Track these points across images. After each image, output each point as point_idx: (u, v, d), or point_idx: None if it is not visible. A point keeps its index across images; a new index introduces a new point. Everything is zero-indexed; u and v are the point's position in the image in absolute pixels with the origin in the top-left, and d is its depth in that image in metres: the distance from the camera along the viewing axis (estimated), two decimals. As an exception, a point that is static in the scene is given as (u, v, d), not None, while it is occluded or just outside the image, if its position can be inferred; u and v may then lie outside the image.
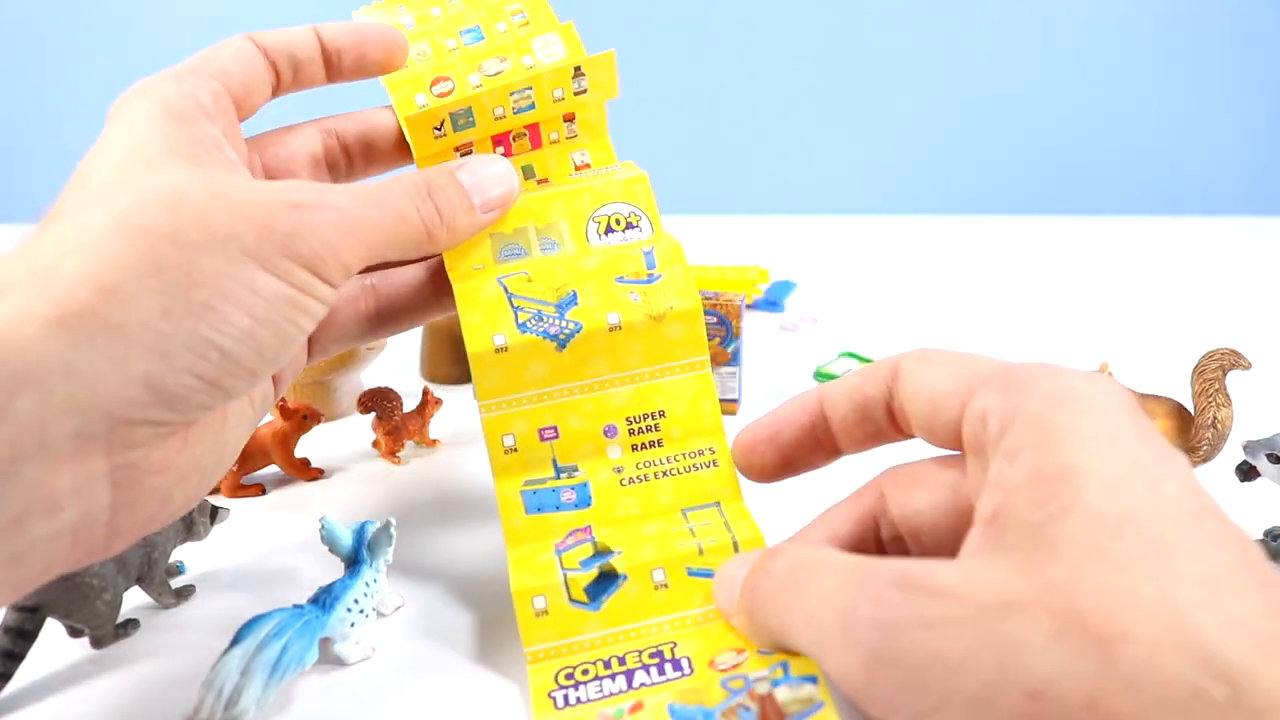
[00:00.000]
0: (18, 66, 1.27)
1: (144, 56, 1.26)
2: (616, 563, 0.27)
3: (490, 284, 0.30)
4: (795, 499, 0.27)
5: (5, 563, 0.19)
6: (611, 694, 0.24)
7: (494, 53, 0.32)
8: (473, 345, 0.29)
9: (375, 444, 0.45)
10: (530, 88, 0.31)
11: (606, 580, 0.26)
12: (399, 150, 0.32)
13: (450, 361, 0.55)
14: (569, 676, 0.25)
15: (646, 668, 0.25)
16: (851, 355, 0.52)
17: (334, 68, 0.30)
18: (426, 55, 0.32)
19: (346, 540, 0.30)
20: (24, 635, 0.27)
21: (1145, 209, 1.27)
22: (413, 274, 0.32)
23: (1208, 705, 0.14)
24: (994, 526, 0.18)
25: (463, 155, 0.32)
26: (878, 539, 0.24)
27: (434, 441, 0.46)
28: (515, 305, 0.29)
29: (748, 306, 0.73)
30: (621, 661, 0.25)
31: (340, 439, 0.47)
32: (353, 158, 0.32)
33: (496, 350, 0.29)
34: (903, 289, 0.80)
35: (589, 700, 0.24)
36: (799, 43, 1.26)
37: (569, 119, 0.33)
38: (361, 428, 0.48)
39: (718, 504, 0.29)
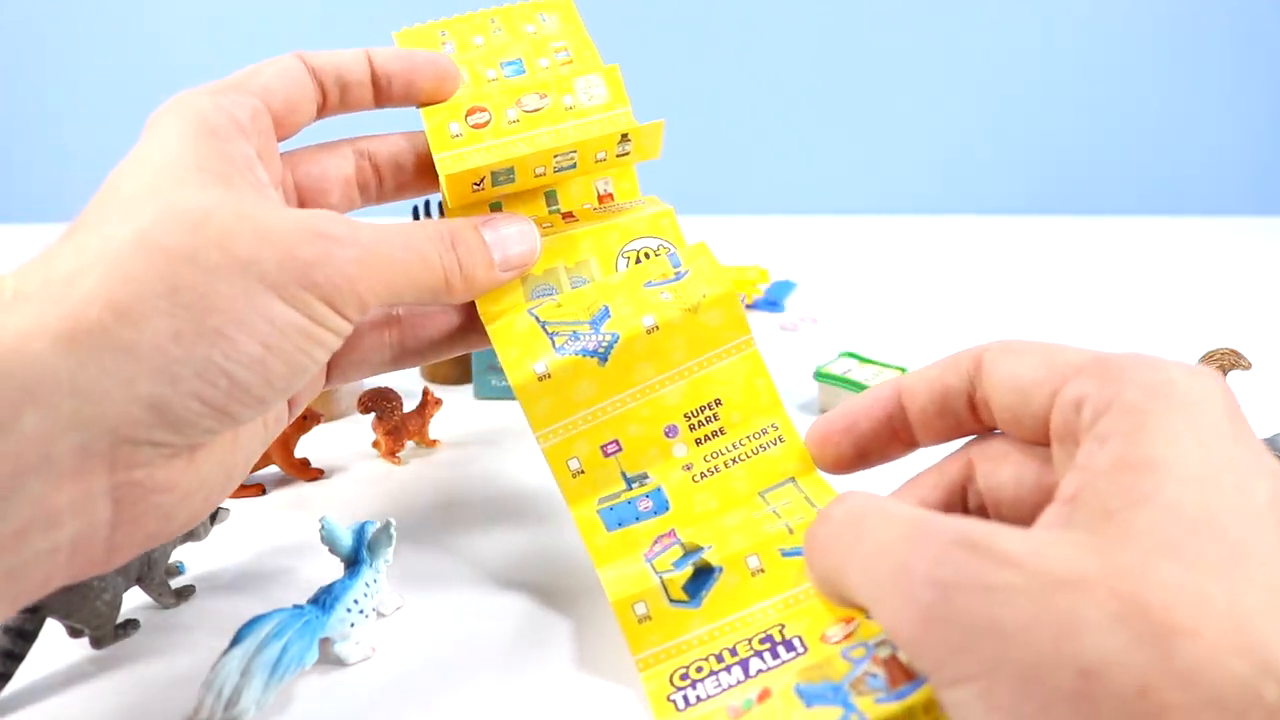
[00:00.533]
0: (18, 66, 1.27)
1: (144, 56, 1.27)
2: (709, 557, 0.26)
3: (521, 317, 0.30)
4: (873, 470, 0.27)
5: (4, 577, 0.19)
6: (730, 686, 0.24)
7: (534, 88, 0.32)
8: (515, 378, 0.28)
9: (375, 444, 0.45)
10: (575, 151, 0.31)
11: (703, 575, 0.26)
12: (429, 176, 0.32)
13: (450, 362, 0.55)
14: (684, 676, 0.25)
15: (759, 654, 0.24)
16: (851, 355, 0.52)
17: (383, 93, 0.30)
18: (465, 83, 0.32)
19: (346, 540, 0.30)
20: (24, 635, 0.27)
21: (1145, 209, 1.27)
22: (442, 307, 0.32)
23: (1259, 707, 0.14)
24: (1070, 506, 0.18)
25: (492, 207, 0.32)
26: (965, 509, 0.24)
27: (434, 442, 0.46)
28: (550, 331, 0.29)
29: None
30: (733, 652, 0.25)
31: (340, 439, 0.47)
32: (383, 180, 0.32)
33: (540, 378, 0.28)
34: (903, 289, 0.80)
35: (710, 696, 0.24)
36: (799, 43, 1.26)
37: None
38: (361, 428, 0.48)
39: (793, 479, 0.28)
